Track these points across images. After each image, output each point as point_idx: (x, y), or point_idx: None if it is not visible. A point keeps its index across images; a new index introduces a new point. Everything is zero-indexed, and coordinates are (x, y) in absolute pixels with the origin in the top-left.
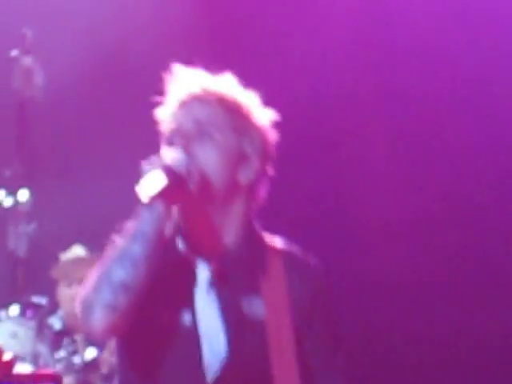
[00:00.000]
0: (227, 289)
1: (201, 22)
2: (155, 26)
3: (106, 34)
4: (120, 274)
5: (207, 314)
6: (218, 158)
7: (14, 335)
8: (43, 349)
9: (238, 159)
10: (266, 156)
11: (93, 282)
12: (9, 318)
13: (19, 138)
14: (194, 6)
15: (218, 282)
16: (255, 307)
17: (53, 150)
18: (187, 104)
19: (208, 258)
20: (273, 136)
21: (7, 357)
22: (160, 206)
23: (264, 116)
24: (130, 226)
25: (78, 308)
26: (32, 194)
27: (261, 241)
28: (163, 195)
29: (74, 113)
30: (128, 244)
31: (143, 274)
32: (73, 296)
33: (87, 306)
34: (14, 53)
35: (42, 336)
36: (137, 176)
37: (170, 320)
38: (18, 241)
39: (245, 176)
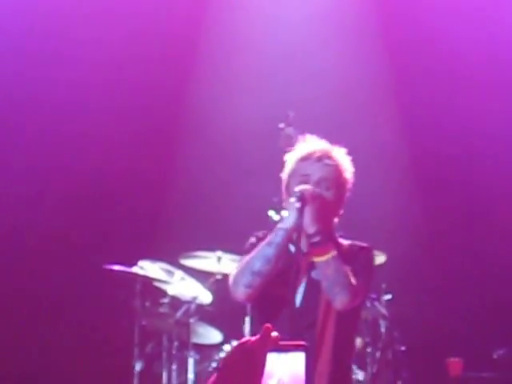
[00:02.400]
0: (309, 268)
1: None
2: None
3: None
4: (258, 265)
5: (300, 286)
6: (332, 198)
7: None
8: None
9: (342, 201)
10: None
11: (239, 269)
12: None
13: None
14: None
15: (308, 265)
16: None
17: None
18: (315, 162)
19: (298, 246)
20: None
21: (275, 333)
22: (289, 228)
23: (351, 173)
24: (268, 236)
25: (229, 284)
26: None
27: (336, 239)
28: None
29: None
30: (265, 248)
31: (272, 267)
32: None
33: (235, 284)
34: (281, 125)
35: None
36: None
37: (282, 295)
38: None
39: (340, 209)
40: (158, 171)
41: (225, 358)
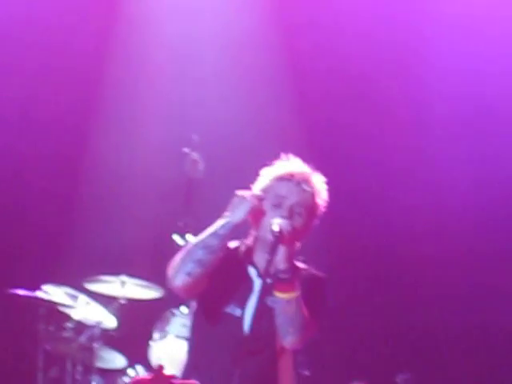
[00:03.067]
0: (266, 293)
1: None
2: None
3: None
4: (199, 254)
5: (250, 308)
6: (303, 226)
7: (184, 325)
8: None
9: (310, 228)
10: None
11: (180, 257)
12: (182, 314)
13: (188, 201)
14: None
15: (265, 291)
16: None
17: (209, 208)
18: (293, 186)
19: (264, 277)
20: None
21: (168, 371)
22: (237, 222)
23: (325, 202)
24: (213, 227)
25: (168, 272)
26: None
27: (294, 265)
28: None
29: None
30: (209, 238)
31: (213, 258)
32: None
33: (174, 272)
34: (186, 150)
35: None
36: None
37: (231, 310)
38: None
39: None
40: (61, 195)
41: None
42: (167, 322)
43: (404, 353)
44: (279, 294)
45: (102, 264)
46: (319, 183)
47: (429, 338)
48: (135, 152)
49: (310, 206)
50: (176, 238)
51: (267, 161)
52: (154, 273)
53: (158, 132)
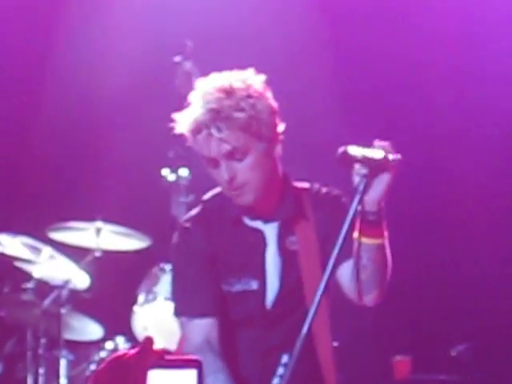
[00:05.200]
0: (284, 237)
1: None
2: None
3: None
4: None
5: (271, 271)
6: (267, 149)
7: None
8: None
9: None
10: None
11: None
12: None
13: None
14: None
15: (281, 235)
16: (294, 244)
17: None
18: (211, 142)
19: (272, 219)
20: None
21: (158, 346)
22: None
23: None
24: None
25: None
26: (190, 171)
27: (293, 188)
28: None
29: None
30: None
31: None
32: None
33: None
34: (178, 59)
35: None
36: None
37: (246, 286)
38: (179, 208)
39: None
40: (21, 124)
41: (95, 374)
42: (155, 280)
43: (459, 323)
44: (367, 240)
45: (72, 207)
46: (250, 98)
47: (486, 306)
48: (110, 66)
49: (255, 135)
50: (166, 172)
51: (267, 69)
52: (138, 217)
53: (146, 40)
